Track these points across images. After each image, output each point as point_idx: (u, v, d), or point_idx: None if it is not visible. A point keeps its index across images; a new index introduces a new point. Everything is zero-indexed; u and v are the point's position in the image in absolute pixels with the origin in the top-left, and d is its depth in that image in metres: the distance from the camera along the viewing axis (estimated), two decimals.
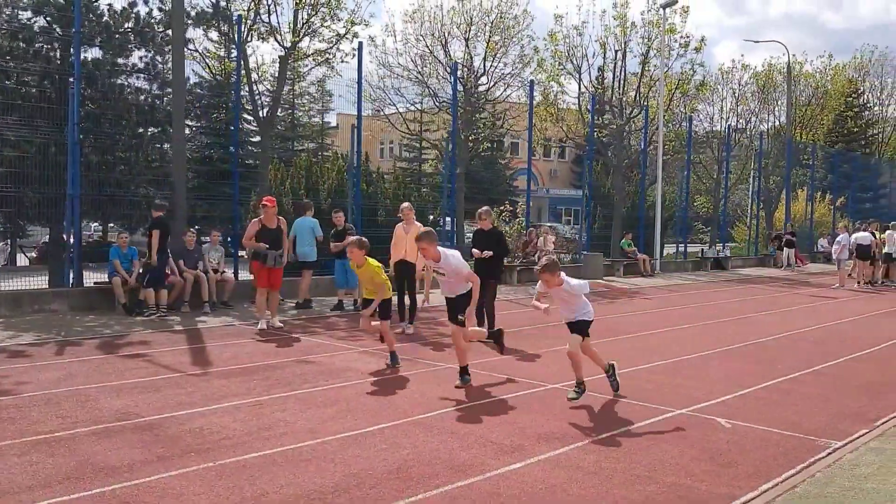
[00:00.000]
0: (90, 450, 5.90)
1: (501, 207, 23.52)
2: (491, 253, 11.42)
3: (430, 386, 8.38)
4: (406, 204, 12.82)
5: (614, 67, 27.76)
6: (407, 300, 12.35)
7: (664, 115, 26.94)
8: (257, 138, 28.03)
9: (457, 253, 8.45)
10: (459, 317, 8.27)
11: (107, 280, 13.66)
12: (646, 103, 27.75)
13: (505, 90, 25.08)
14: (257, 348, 10.62)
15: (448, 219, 21.42)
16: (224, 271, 14.77)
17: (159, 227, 13.10)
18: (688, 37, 27.50)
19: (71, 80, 14.32)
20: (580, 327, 7.71)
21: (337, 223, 14.41)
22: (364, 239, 9.44)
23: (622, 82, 27.77)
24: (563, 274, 7.65)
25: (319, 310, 14.56)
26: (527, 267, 20.95)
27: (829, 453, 6.16)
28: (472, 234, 12.50)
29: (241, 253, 15.91)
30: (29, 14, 16.58)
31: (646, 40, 27.39)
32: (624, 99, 27.91)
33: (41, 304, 13.05)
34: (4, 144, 14.99)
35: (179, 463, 5.62)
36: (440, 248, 8.19)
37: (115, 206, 16.94)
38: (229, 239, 15.76)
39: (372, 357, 9.97)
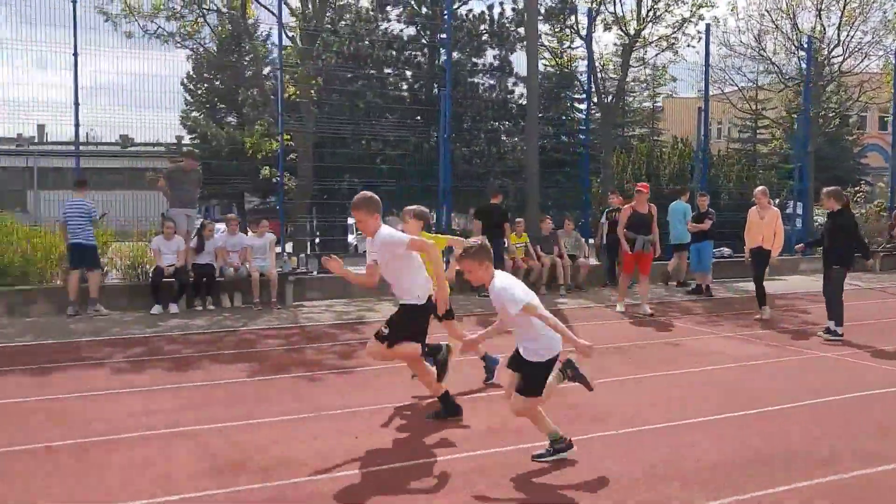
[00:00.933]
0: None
1: (856, 188, 21.89)
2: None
3: (809, 373, 8.29)
4: (760, 188, 12.55)
5: None
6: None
7: None
8: (592, 126, 28.69)
9: (395, 231, 6.26)
10: (383, 329, 6.25)
11: None
12: None
13: (862, 61, 23.20)
14: (621, 329, 11.15)
15: (799, 203, 20.39)
16: (579, 256, 15.45)
17: (477, 216, 14.30)
18: None
19: (436, 82, 15.94)
20: (527, 375, 5.34)
21: (701, 205, 14.53)
22: (424, 209, 7.57)
23: None
24: (497, 272, 5.40)
25: (666, 293, 14.79)
26: (891, 253, 19.32)
27: None
28: (825, 218, 11.71)
29: (590, 240, 16.58)
30: (401, 25, 18.62)
31: None
32: None
33: None
34: (385, 145, 17.04)
35: (583, 429, 6.21)
36: (382, 225, 6.15)
37: (473, 198, 18.48)
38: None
39: (742, 342, 10.02)
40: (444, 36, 15.73)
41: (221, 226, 14.57)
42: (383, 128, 17.19)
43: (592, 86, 18.53)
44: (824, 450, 5.71)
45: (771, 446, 5.78)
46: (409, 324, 6.28)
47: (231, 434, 6.07)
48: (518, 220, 15.13)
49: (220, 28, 16.78)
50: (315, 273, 14.09)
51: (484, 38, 18.02)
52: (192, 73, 37.10)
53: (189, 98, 39.27)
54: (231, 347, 9.65)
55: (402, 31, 18.48)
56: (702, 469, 5.31)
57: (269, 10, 15.12)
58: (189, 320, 11.53)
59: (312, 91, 16.02)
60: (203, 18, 15.59)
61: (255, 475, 5.17)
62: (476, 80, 18.69)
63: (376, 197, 6.19)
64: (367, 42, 17.51)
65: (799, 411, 6.77)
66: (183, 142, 30.30)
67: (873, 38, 23.04)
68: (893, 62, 21.75)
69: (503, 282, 5.30)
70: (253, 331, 10.86)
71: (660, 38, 18.89)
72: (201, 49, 17.99)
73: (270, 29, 18.76)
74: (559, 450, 5.41)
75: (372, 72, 18.53)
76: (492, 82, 19.31)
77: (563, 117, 28.56)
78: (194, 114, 36.13)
